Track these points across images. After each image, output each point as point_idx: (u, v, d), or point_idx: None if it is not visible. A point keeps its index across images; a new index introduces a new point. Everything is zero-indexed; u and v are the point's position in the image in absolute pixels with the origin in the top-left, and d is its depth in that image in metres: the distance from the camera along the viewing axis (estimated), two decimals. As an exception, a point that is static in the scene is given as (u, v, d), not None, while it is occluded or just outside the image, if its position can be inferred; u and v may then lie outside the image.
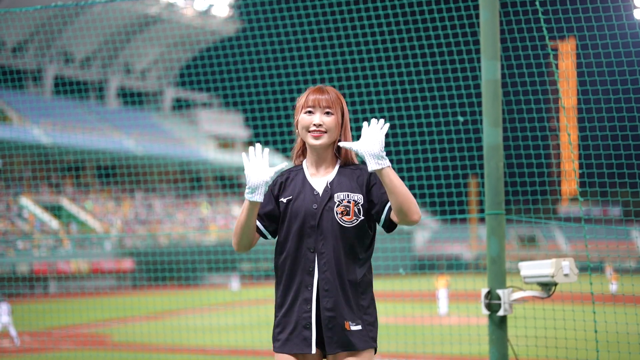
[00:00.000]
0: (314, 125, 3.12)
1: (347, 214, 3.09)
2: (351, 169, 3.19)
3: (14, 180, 30.45)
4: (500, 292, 4.91)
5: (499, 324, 4.95)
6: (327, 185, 3.13)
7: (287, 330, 3.10)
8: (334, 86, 3.31)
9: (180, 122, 50.24)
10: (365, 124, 3.02)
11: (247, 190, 3.03)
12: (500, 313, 4.90)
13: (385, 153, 2.97)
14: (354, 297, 3.09)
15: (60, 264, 30.07)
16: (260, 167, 3.03)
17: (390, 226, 3.12)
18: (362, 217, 3.10)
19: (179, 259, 21.79)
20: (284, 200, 3.16)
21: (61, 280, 29.02)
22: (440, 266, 27.66)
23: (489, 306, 4.94)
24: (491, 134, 5.07)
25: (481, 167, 5.42)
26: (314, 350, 3.06)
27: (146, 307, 19.11)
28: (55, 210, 36.95)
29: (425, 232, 49.11)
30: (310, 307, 3.05)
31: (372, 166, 2.95)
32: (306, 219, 3.09)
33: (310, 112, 3.15)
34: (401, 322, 13.57)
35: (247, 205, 3.05)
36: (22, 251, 30.76)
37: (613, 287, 17.55)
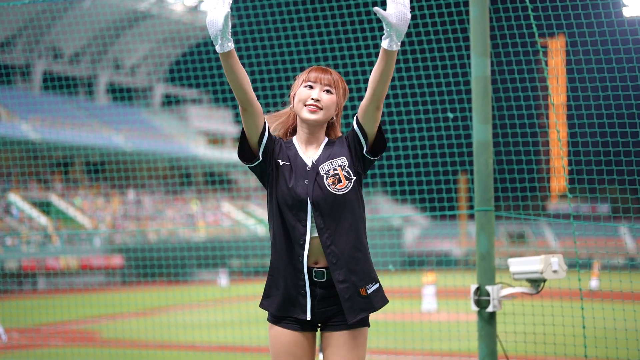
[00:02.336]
0: (312, 99, 3.11)
1: (339, 181, 3.08)
2: (333, 141, 3.19)
3: (2, 176, 30.28)
4: (489, 288, 4.93)
5: (488, 320, 4.97)
6: (312, 163, 3.12)
7: (279, 298, 3.10)
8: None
9: (169, 118, 50.07)
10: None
11: (216, 47, 2.93)
12: (490, 309, 4.91)
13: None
14: (363, 261, 3.11)
15: (49, 260, 29.92)
16: (215, 13, 2.87)
17: (375, 140, 3.09)
18: (354, 177, 3.10)
19: (168, 255, 21.75)
20: (280, 162, 3.13)
21: (50, 277, 28.89)
22: (429, 262, 27.73)
23: (478, 302, 4.95)
24: (481, 131, 5.08)
25: (471, 163, 5.42)
26: (309, 317, 3.07)
27: (135, 303, 19.04)
28: (44, 207, 36.76)
29: (415, 228, 49.19)
30: (304, 278, 3.06)
31: (392, 45, 2.91)
32: (297, 192, 3.06)
33: (310, 86, 3.13)
34: (390, 318, 13.58)
35: (220, 58, 2.97)
36: (10, 247, 30.59)
37: (593, 283, 17.67)
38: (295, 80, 3.27)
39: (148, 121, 47.07)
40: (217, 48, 2.92)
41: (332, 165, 3.10)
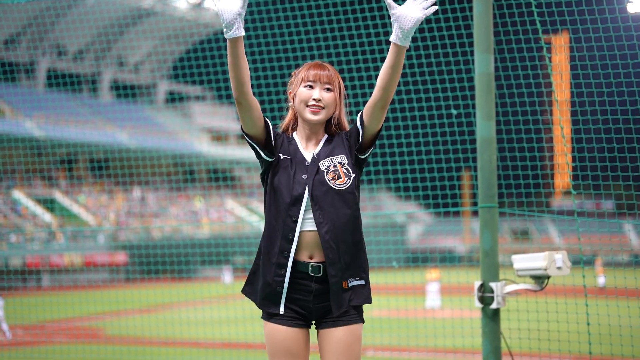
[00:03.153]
0: (314, 100, 3.13)
1: (339, 177, 3.10)
2: (336, 136, 3.21)
3: (7, 173, 30.33)
4: (493, 285, 4.92)
5: (492, 317, 4.96)
6: (313, 157, 3.14)
7: (260, 287, 3.13)
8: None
9: (173, 115, 50.10)
10: None
11: (224, 30, 2.92)
12: (493, 306, 4.90)
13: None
14: (357, 257, 3.13)
15: (53, 257, 29.99)
16: (230, 1, 2.88)
17: (369, 135, 3.10)
18: (354, 175, 3.12)
19: (172, 252, 21.77)
20: (281, 155, 3.15)
21: (54, 274, 28.95)
22: (433, 259, 27.71)
23: (482, 299, 4.95)
24: (484, 127, 5.07)
25: (474, 160, 5.42)
26: (282, 311, 3.09)
27: (139, 300, 19.09)
28: (48, 204, 36.83)
29: (418, 225, 49.17)
30: (285, 273, 3.07)
31: (396, 39, 2.93)
32: (294, 187, 3.08)
33: (310, 86, 3.14)
34: (394, 315, 13.59)
35: (229, 45, 2.95)
36: (15, 244, 30.66)
37: (601, 280, 17.62)
38: (291, 76, 3.27)
39: (152, 118, 47.11)
40: (233, 32, 2.89)
41: (332, 161, 3.13)
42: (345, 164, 3.13)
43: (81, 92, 46.44)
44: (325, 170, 3.10)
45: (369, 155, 3.21)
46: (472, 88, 6.08)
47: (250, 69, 3.11)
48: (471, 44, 5.40)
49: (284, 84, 3.38)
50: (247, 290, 3.23)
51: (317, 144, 3.20)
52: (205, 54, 11.86)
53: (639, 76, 6.30)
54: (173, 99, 51.88)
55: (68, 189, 39.24)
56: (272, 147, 3.15)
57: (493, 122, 5.09)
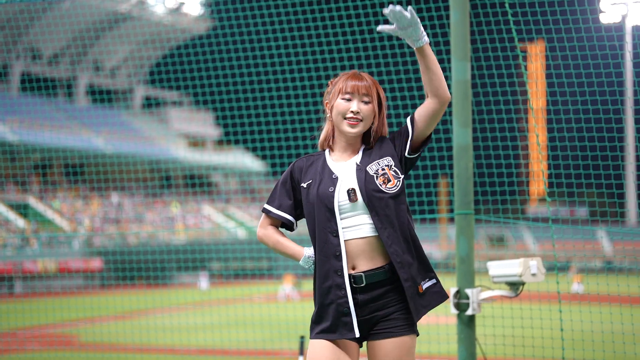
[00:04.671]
0: (352, 112, 3.10)
1: (389, 180, 3.08)
2: (375, 145, 3.19)
3: (-21, 178, 29.93)
4: (468, 291, 4.95)
5: (467, 323, 4.99)
6: (357, 165, 3.12)
7: (325, 317, 3.05)
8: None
9: (150, 120, 49.78)
10: (386, 10, 2.99)
11: (303, 262, 3.14)
12: (469, 312, 4.93)
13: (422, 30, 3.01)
14: (419, 257, 3.11)
15: (26, 263, 29.59)
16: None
17: (419, 138, 3.13)
18: (402, 176, 3.12)
19: (147, 258, 21.60)
20: (304, 185, 3.13)
21: (27, 280, 28.57)
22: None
23: (457, 305, 4.97)
24: (461, 135, 5.10)
25: (451, 167, 5.45)
26: (357, 334, 3.02)
27: (114, 306, 18.90)
28: (22, 209, 36.36)
29: (395, 231, 49.28)
30: (345, 293, 3.00)
31: (417, 43, 3.01)
32: (325, 204, 3.05)
33: (348, 98, 3.11)
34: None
35: (290, 255, 3.16)
36: (-13, 250, 30.22)
37: (579, 287, 17.76)
38: (328, 86, 3.24)
39: (128, 123, 46.77)
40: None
41: (380, 164, 3.11)
42: (393, 166, 3.11)
43: (56, 96, 45.97)
44: (375, 175, 3.08)
45: (418, 157, 3.19)
46: (448, 95, 6.10)
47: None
48: (448, 52, 5.44)
49: (321, 94, 3.36)
50: (315, 332, 3.15)
51: (355, 152, 3.18)
52: (182, 59, 11.82)
53: (611, 85, 6.39)
54: (150, 104, 51.57)
55: (42, 194, 38.79)
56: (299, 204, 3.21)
57: (469, 129, 5.12)
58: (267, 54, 9.69)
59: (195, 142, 49.26)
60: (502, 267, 4.87)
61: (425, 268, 3.11)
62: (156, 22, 44.78)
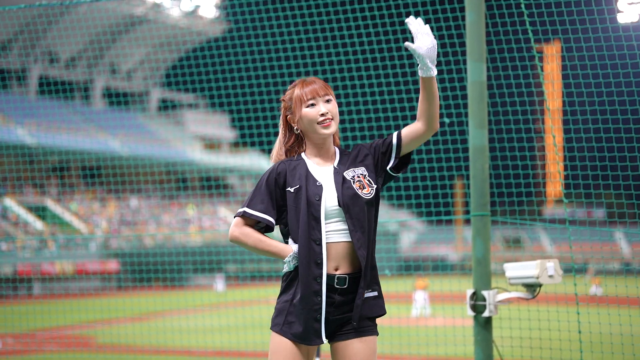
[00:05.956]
0: (321, 115, 3.15)
1: (364, 187, 3.14)
2: (343, 152, 3.27)
3: (-2, 180, 30.22)
4: (485, 293, 4.93)
5: (484, 325, 4.97)
6: (334, 169, 3.19)
7: (297, 321, 3.09)
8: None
9: (166, 123, 50.03)
10: (409, 20, 3.09)
11: (285, 265, 3.12)
12: (486, 314, 4.91)
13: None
14: (375, 266, 3.18)
15: (44, 265, 29.84)
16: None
17: (402, 158, 3.20)
18: (375, 185, 3.17)
19: (164, 260, 21.71)
20: (291, 190, 3.15)
21: (45, 282, 28.80)
22: (425, 267, 27.73)
23: (474, 307, 4.96)
24: (477, 136, 5.09)
25: (467, 168, 5.43)
26: (324, 341, 3.10)
27: (131, 308, 19.01)
28: (40, 211, 36.68)
29: (411, 233, 49.20)
30: (321, 300, 3.06)
31: (428, 72, 3.04)
32: (312, 212, 3.09)
33: (312, 104, 3.17)
34: (386, 323, 13.57)
35: (274, 252, 3.13)
36: (5, 252, 30.50)
37: (598, 290, 17.62)
38: (282, 102, 3.28)
39: (144, 126, 47.03)
40: (287, 266, 3.11)
41: (355, 172, 3.18)
42: (367, 176, 3.18)
43: (73, 99, 46.33)
44: (352, 180, 3.15)
45: (397, 176, 3.27)
46: (464, 97, 6.10)
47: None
48: (464, 53, 5.43)
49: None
50: (283, 330, 3.18)
51: (332, 157, 3.24)
52: (198, 62, 11.88)
53: (629, 85, 6.34)
54: (166, 106, 51.84)
55: (60, 197, 39.09)
56: (281, 207, 3.20)
57: (485, 131, 5.11)
58: (283, 56, 9.72)
59: (211, 145, 49.44)
60: (519, 269, 4.85)
61: (375, 279, 3.17)
62: (172, 25, 45.02)
